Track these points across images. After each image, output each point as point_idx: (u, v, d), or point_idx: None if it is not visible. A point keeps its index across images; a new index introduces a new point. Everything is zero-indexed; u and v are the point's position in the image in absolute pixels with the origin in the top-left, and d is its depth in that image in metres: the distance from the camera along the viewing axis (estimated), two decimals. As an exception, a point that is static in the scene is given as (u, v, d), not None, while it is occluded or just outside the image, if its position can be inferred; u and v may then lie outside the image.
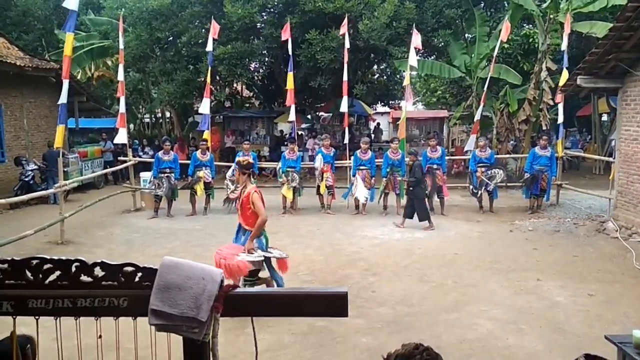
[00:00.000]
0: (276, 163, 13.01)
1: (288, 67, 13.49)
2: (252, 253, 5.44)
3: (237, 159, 6.77)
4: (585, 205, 11.54)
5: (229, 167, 12.46)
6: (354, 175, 11.32)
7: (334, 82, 16.59)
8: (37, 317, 1.55)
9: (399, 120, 12.65)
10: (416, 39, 11.98)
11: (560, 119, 11.71)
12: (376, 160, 11.76)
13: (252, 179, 5.93)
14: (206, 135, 12.83)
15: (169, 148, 11.62)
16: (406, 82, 12.50)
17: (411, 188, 10.03)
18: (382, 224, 10.37)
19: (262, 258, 5.51)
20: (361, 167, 11.26)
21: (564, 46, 11.53)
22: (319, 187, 11.60)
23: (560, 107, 11.59)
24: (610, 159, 10.97)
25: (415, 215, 9.89)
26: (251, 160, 6.50)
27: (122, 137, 12.05)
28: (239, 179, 6.03)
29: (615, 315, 5.47)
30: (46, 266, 1.52)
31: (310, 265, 7.48)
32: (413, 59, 12.09)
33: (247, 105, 24.75)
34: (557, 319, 5.38)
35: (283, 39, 13.15)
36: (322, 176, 11.45)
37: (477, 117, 13.52)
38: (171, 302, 1.45)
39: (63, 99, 8.81)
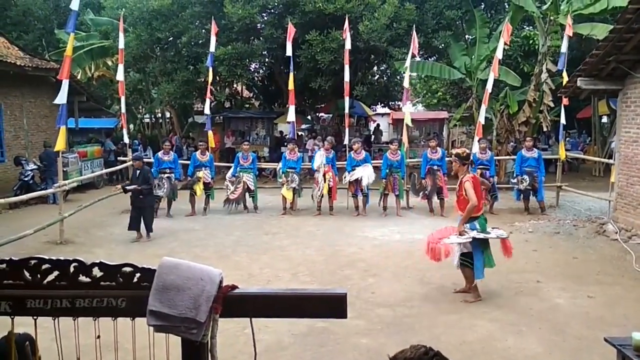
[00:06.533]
0: (276, 164, 12.98)
1: (288, 68, 13.46)
2: (463, 235, 5.78)
3: (455, 151, 6.54)
4: (584, 207, 11.52)
5: (229, 167, 12.47)
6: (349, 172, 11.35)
7: (334, 83, 16.57)
8: (35, 318, 1.55)
9: (402, 123, 12.69)
10: (414, 42, 12.29)
11: (563, 121, 11.68)
12: (375, 161, 11.80)
13: (470, 169, 6.21)
14: (210, 136, 12.91)
15: (168, 148, 11.65)
16: (406, 83, 12.49)
17: (141, 196, 8.99)
18: (381, 225, 10.35)
19: (471, 239, 5.79)
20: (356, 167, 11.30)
21: (563, 48, 11.48)
22: (321, 189, 11.48)
23: (562, 109, 11.57)
24: (610, 161, 10.95)
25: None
26: (468, 151, 6.54)
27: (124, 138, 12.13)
28: (457, 170, 6.16)
29: (615, 318, 5.45)
30: (44, 266, 1.51)
31: (310, 266, 7.47)
32: (409, 61, 12.28)
33: (247, 105, 24.73)
34: (557, 321, 5.37)
35: (288, 41, 13.01)
36: (325, 177, 11.37)
37: (481, 120, 13.26)
38: (170, 303, 1.44)
39: (62, 99, 8.79)
